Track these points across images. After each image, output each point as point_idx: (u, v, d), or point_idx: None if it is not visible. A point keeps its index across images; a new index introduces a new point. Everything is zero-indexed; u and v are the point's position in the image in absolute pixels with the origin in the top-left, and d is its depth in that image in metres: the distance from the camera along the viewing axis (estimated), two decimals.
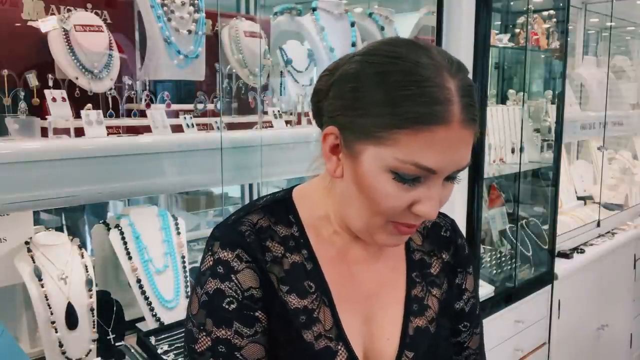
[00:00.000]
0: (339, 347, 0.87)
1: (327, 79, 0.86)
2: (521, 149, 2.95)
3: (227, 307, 0.82)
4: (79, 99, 1.54)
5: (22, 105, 1.44)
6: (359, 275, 0.93)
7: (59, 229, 2.19)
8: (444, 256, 1.00)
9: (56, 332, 1.52)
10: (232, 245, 0.85)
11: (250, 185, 2.67)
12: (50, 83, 1.49)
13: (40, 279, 1.53)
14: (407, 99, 0.75)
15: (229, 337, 0.82)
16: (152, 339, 1.69)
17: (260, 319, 0.84)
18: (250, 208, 0.91)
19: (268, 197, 0.95)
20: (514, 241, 3.00)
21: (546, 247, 3.15)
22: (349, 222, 0.87)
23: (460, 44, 2.36)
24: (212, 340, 0.82)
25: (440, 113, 0.74)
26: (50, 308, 1.52)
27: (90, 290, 1.60)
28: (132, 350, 1.68)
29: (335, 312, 0.88)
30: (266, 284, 0.85)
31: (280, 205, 0.92)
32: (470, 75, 0.82)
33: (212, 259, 0.85)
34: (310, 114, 0.92)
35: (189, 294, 1.33)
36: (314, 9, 2.19)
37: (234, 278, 0.83)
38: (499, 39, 3.01)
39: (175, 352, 1.65)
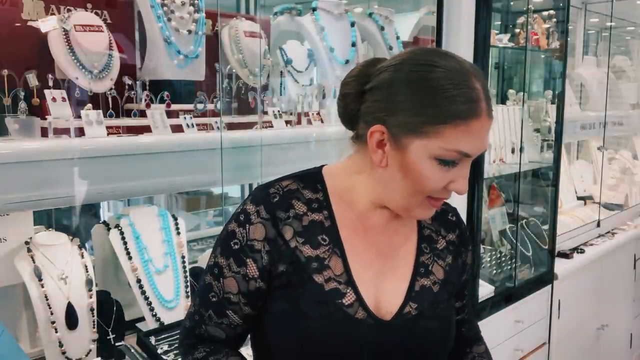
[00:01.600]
0: (348, 290, 1.03)
1: (355, 85, 1.03)
2: (521, 149, 2.95)
3: (232, 245, 1.04)
4: (79, 99, 1.54)
5: (22, 105, 1.44)
6: (374, 237, 1.09)
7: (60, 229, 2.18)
8: (449, 236, 1.17)
9: (56, 332, 1.52)
10: (257, 202, 1.05)
11: (251, 185, 2.66)
12: (50, 83, 1.49)
13: (40, 279, 1.53)
14: (447, 100, 0.94)
15: (222, 265, 1.05)
16: (152, 339, 1.69)
17: (248, 265, 1.03)
18: (284, 176, 1.11)
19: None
20: (514, 241, 3.00)
21: (546, 247, 3.15)
22: (389, 201, 1.04)
23: (460, 44, 2.35)
24: (214, 261, 1.07)
25: (474, 109, 0.95)
26: (50, 308, 1.52)
27: (90, 290, 1.61)
28: (132, 350, 1.68)
29: (347, 262, 1.05)
30: (277, 236, 1.03)
31: (311, 176, 1.11)
32: None
33: (241, 207, 1.06)
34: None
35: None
36: (314, 9, 2.19)
37: (247, 227, 1.04)
38: (499, 39, 3.01)
39: (175, 352, 1.65)
